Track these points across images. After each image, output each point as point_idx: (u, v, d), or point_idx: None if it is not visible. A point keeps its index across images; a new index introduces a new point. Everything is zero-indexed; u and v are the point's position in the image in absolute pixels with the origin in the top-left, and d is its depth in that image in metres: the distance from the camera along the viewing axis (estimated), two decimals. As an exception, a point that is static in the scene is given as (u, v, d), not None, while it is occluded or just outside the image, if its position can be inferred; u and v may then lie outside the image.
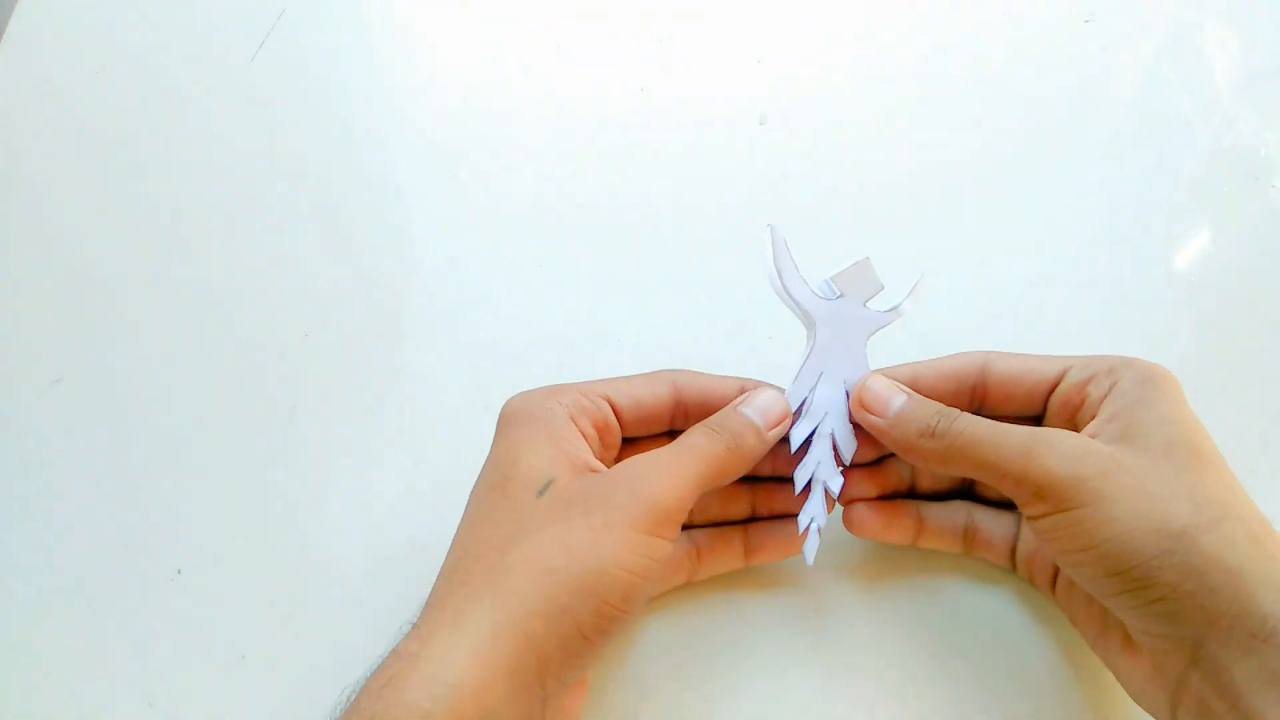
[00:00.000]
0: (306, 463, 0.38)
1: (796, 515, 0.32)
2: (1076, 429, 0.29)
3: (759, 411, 0.30)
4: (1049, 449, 0.26)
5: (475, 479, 0.30)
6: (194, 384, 0.40)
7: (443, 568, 0.27)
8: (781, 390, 0.31)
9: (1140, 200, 0.42)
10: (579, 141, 0.46)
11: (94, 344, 0.41)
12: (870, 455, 0.33)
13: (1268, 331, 0.39)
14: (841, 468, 0.32)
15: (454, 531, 0.28)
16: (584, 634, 0.25)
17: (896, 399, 0.30)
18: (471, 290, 0.42)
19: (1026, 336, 0.38)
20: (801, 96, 0.47)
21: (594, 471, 0.29)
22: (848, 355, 0.31)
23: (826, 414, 0.32)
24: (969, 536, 0.33)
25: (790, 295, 0.31)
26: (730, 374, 0.32)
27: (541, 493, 0.27)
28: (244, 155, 0.46)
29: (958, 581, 0.33)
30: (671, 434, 0.32)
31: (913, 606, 0.33)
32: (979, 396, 0.31)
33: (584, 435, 0.30)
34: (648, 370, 0.32)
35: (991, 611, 0.33)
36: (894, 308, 0.31)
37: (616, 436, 0.31)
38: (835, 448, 0.32)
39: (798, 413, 0.32)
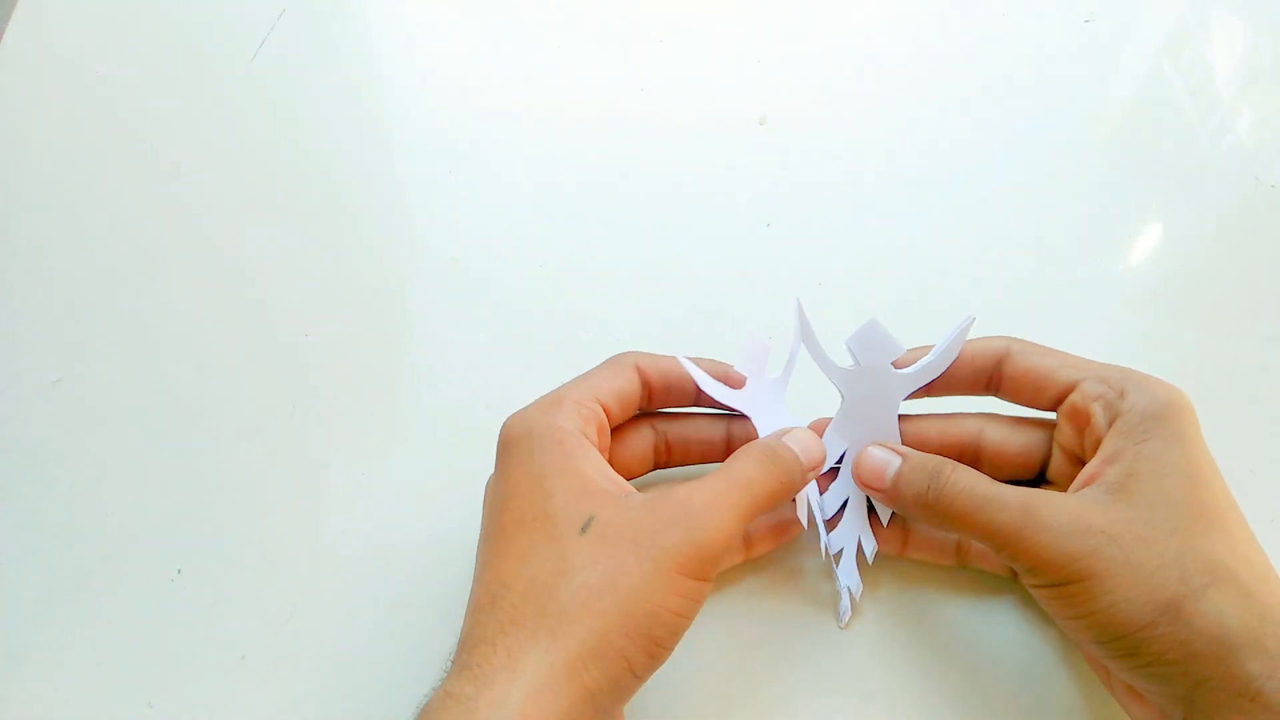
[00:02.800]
0: (307, 463, 0.38)
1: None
2: (1082, 445, 0.29)
3: (803, 450, 0.30)
4: (1040, 526, 0.26)
5: (490, 500, 0.29)
6: (194, 384, 0.40)
7: (478, 600, 0.27)
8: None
9: (1140, 200, 0.42)
10: (579, 141, 0.46)
11: (94, 344, 0.41)
12: None
13: (1269, 331, 0.39)
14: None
15: (457, 537, 0.28)
16: (635, 673, 0.26)
17: (892, 465, 0.30)
18: (472, 290, 0.42)
19: (1024, 336, 0.38)
20: (801, 96, 0.47)
21: (620, 490, 0.28)
22: (877, 421, 0.31)
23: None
24: (962, 550, 0.32)
25: (818, 366, 0.31)
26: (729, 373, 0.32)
27: (585, 529, 0.27)
28: (244, 155, 0.46)
29: (957, 591, 0.33)
30: (641, 415, 0.33)
31: (912, 616, 0.33)
32: (994, 384, 0.31)
33: (602, 448, 0.30)
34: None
35: (992, 621, 0.33)
36: (923, 366, 0.30)
37: (609, 437, 0.31)
38: (873, 510, 0.32)
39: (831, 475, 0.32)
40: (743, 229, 0.42)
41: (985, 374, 0.31)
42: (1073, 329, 0.39)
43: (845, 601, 0.32)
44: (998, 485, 0.27)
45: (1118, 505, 0.26)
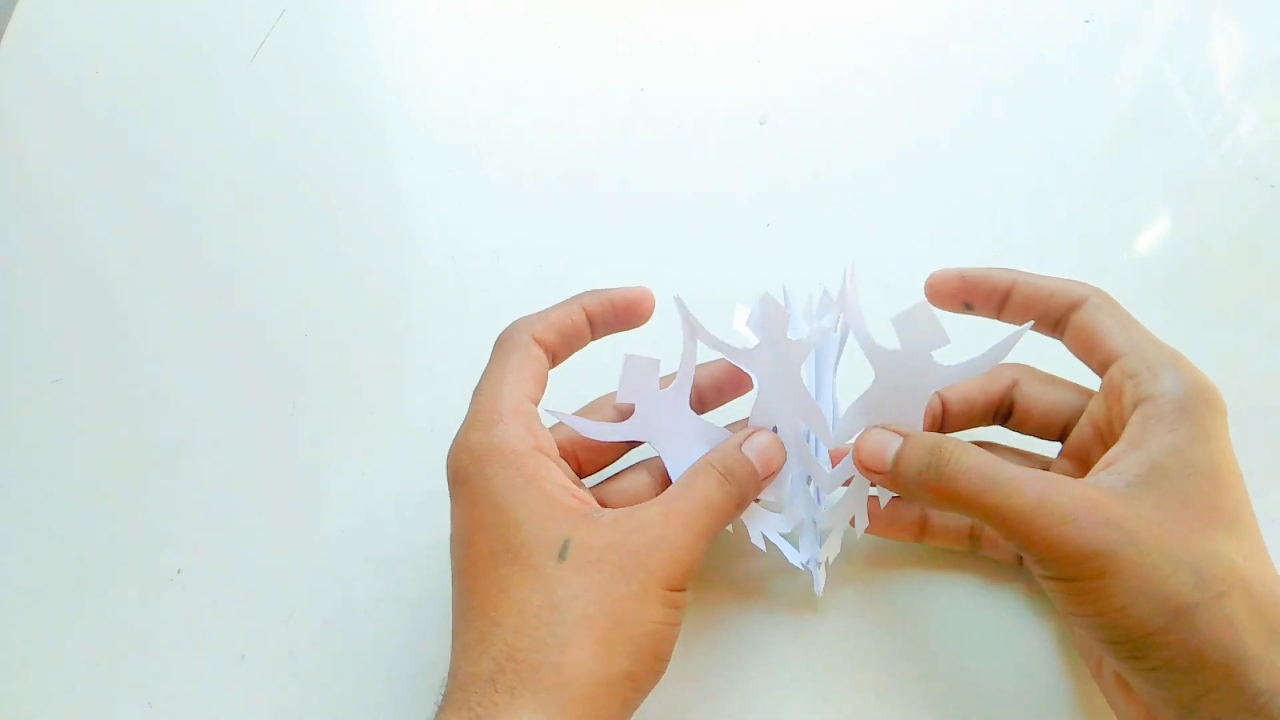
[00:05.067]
0: (307, 462, 0.38)
1: None
2: (1110, 421, 0.28)
3: (763, 461, 0.30)
4: (1056, 515, 0.25)
5: (456, 537, 0.28)
6: (194, 383, 0.40)
7: (466, 639, 0.26)
8: (775, 433, 0.31)
9: (1140, 201, 0.42)
10: (579, 141, 0.46)
11: (94, 344, 0.41)
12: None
13: (1268, 332, 0.39)
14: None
15: (448, 539, 0.28)
16: (640, 689, 0.26)
17: (892, 446, 0.28)
18: (471, 290, 0.42)
19: (1024, 339, 0.38)
20: (801, 96, 0.47)
21: (584, 504, 0.28)
22: (904, 408, 0.29)
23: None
24: (975, 534, 0.32)
25: (859, 342, 0.29)
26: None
27: (563, 555, 0.26)
28: (243, 155, 0.46)
29: (963, 579, 0.33)
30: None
31: (917, 605, 0.33)
32: (1060, 330, 0.30)
33: (553, 456, 0.29)
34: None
35: (998, 609, 0.33)
36: (969, 363, 0.28)
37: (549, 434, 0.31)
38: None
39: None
40: (743, 229, 0.42)
41: (1056, 317, 0.30)
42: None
43: (820, 573, 0.32)
44: (1009, 466, 0.26)
45: (1138, 499, 0.25)
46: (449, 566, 0.28)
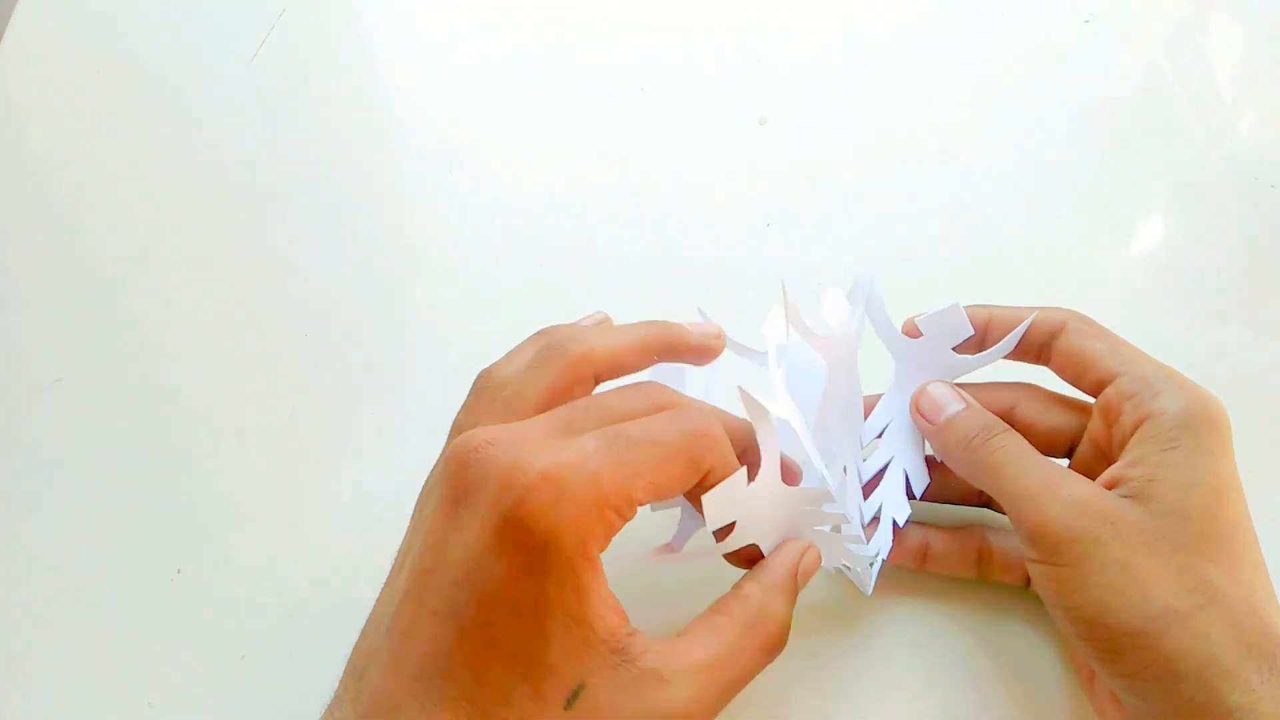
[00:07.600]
0: (306, 462, 0.38)
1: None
2: (1110, 440, 0.28)
3: (805, 578, 0.27)
4: (1055, 498, 0.26)
5: (478, 562, 0.23)
6: (194, 384, 0.40)
7: (440, 690, 0.23)
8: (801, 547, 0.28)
9: (1140, 201, 0.42)
10: (579, 141, 0.46)
11: (94, 344, 0.41)
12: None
13: (1268, 332, 0.39)
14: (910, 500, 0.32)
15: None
16: None
17: (952, 406, 0.30)
18: (472, 290, 0.42)
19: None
20: (801, 96, 0.47)
21: (614, 639, 0.24)
22: None
23: (900, 449, 0.32)
24: (984, 560, 0.31)
25: (880, 334, 0.32)
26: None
27: (571, 703, 0.23)
28: (244, 155, 0.46)
29: (968, 600, 0.33)
30: None
31: (920, 625, 0.32)
32: (1044, 357, 0.31)
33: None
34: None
35: (1003, 630, 0.32)
36: (982, 356, 0.31)
37: None
38: (907, 481, 0.32)
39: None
40: (743, 229, 0.43)
41: (1037, 345, 0.31)
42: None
43: (875, 569, 0.31)
44: (1034, 454, 0.28)
45: (1134, 506, 0.26)
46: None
